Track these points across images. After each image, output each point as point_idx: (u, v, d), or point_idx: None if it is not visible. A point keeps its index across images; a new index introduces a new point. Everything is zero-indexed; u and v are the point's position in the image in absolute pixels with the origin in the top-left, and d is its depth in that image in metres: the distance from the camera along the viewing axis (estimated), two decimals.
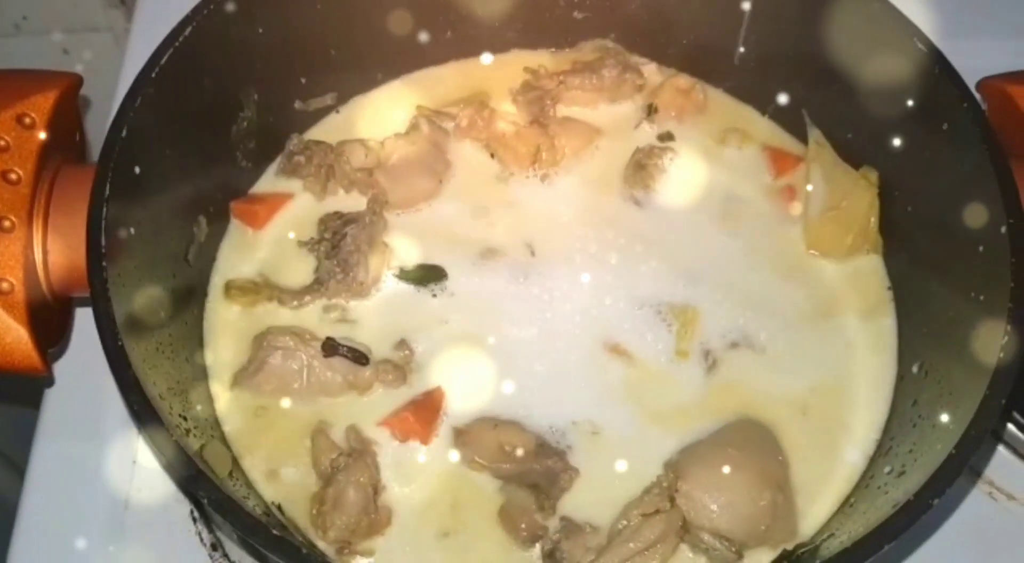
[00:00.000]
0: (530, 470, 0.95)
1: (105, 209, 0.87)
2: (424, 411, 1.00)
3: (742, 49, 1.19)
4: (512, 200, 1.14)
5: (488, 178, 1.16)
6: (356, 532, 0.93)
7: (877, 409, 1.02)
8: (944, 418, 0.88)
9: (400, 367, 1.02)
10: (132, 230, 0.92)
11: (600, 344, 1.05)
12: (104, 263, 0.84)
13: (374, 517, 0.93)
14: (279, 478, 0.98)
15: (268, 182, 1.15)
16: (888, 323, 1.08)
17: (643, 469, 0.97)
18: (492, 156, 1.16)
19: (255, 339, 1.02)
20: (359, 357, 1.00)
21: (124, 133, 0.91)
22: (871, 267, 1.12)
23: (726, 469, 0.93)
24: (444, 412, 1.01)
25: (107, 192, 0.88)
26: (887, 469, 0.93)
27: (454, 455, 0.98)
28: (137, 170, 0.93)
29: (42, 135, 0.92)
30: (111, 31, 1.70)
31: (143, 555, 1.01)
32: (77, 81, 0.98)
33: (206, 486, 0.76)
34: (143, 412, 0.78)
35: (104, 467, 1.03)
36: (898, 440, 0.96)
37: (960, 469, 0.79)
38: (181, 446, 0.78)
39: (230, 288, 1.07)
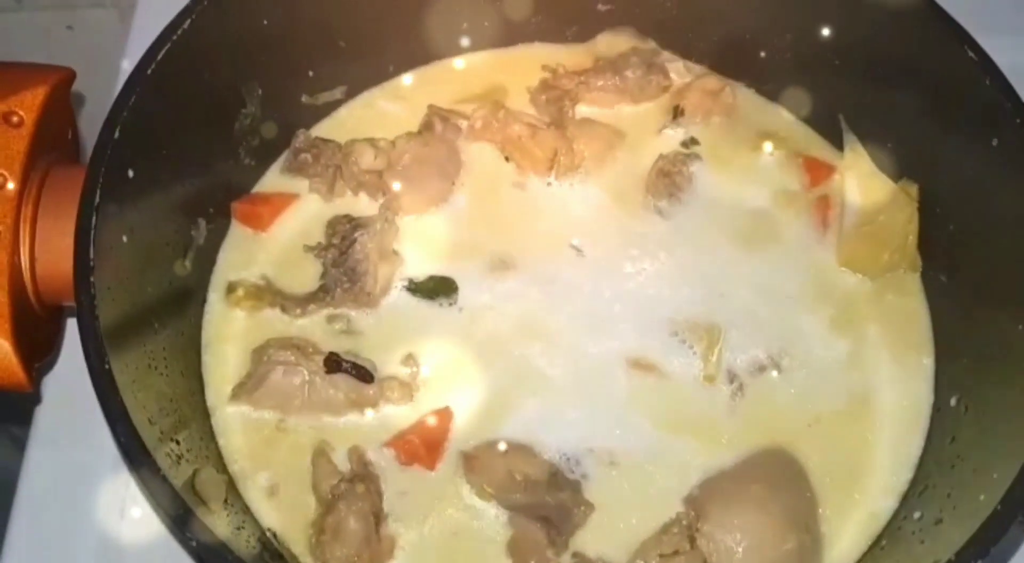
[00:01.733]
0: (542, 503, 0.90)
1: (95, 218, 0.82)
2: (430, 433, 0.95)
3: (777, 47, 1.12)
4: (528, 207, 1.08)
5: (503, 182, 1.09)
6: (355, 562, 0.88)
7: (911, 443, 0.96)
8: (987, 464, 0.82)
9: (406, 384, 0.97)
10: (125, 238, 0.87)
11: (620, 364, 1.00)
12: (92, 278, 0.79)
13: (376, 548, 0.88)
14: (277, 500, 0.93)
15: (272, 181, 1.09)
16: (925, 349, 1.02)
17: (663, 504, 0.92)
18: (507, 159, 1.10)
19: (255, 352, 0.97)
20: (363, 374, 0.95)
21: (117, 134, 0.85)
22: (908, 287, 1.05)
23: (751, 509, 0.88)
24: (451, 434, 0.95)
25: (97, 199, 0.82)
26: (918, 515, 0.88)
27: (461, 482, 0.93)
28: (131, 173, 0.87)
29: (30, 135, 0.86)
30: (116, 7, 1.64)
31: None
32: (69, 76, 0.92)
33: (194, 528, 0.71)
34: (130, 446, 0.73)
35: (98, 489, 0.98)
36: (935, 481, 0.90)
37: (1007, 527, 0.73)
38: (170, 482, 0.73)
39: (232, 290, 1.02)
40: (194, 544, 0.70)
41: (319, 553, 0.87)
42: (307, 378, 0.94)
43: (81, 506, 0.99)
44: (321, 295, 1.01)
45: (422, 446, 0.93)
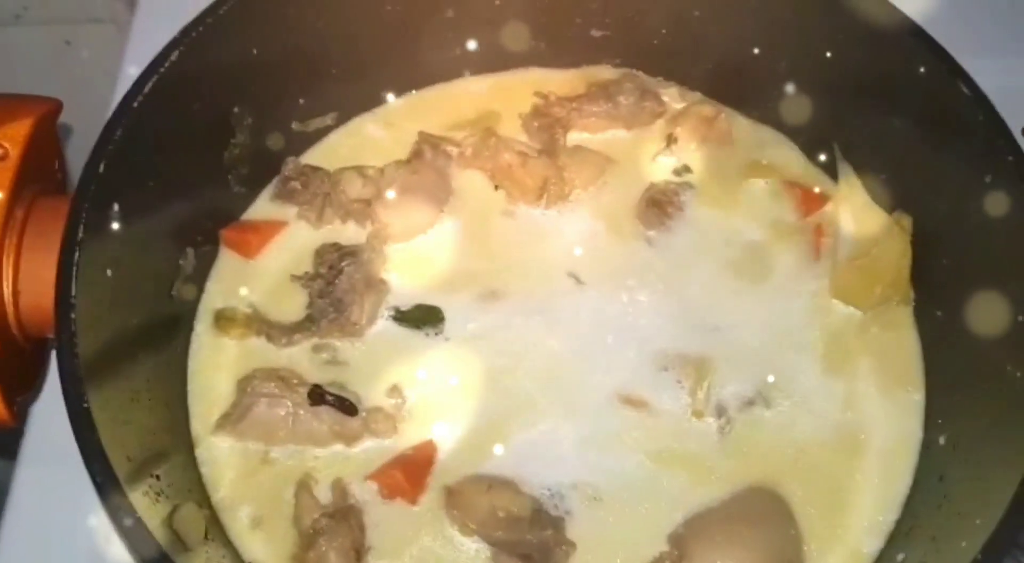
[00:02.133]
0: (524, 540, 0.89)
1: (77, 254, 0.82)
2: (413, 467, 0.94)
3: (772, 74, 1.11)
4: (517, 236, 1.08)
5: (492, 211, 1.09)
6: None
7: (899, 481, 0.95)
8: (971, 508, 0.81)
9: (391, 416, 0.96)
10: (109, 271, 0.87)
11: (609, 399, 0.99)
12: (73, 315, 0.79)
13: None
14: (261, 532, 0.92)
15: (262, 208, 1.09)
16: (915, 384, 1.01)
17: (647, 541, 0.91)
18: (497, 188, 1.09)
19: (240, 382, 0.97)
20: (347, 407, 0.95)
21: (101, 169, 0.85)
22: (900, 320, 1.04)
23: (736, 548, 0.87)
24: (435, 468, 0.95)
25: (80, 235, 0.82)
26: (901, 556, 0.88)
27: (444, 517, 0.92)
28: (116, 207, 0.87)
29: (15, 168, 0.86)
30: (114, 22, 1.64)
31: None
32: (55, 107, 0.92)
33: None
34: (105, 487, 0.73)
35: (87, 512, 0.97)
36: (921, 522, 0.90)
37: None
38: (143, 524, 0.73)
39: (220, 318, 1.02)
40: None
41: None
42: (291, 410, 0.94)
43: (70, 528, 0.99)
44: (307, 325, 1.00)
45: (405, 480, 0.93)
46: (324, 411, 0.94)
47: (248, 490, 0.94)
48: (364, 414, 0.95)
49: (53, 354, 1.00)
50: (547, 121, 1.12)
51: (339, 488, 0.93)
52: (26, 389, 0.93)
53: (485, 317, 1.03)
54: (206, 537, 0.86)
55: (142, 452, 0.83)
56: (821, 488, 0.95)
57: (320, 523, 0.88)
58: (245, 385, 0.95)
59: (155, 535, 0.73)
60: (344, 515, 0.89)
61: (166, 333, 0.98)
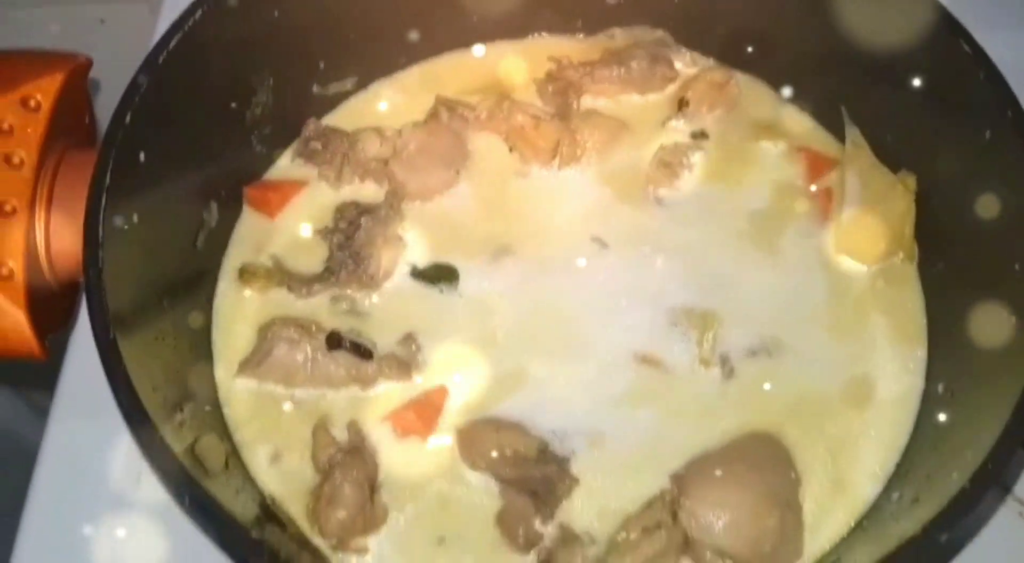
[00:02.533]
0: (529, 476, 0.92)
1: (104, 199, 0.85)
2: (426, 409, 0.98)
3: (782, 39, 1.13)
4: (530, 196, 1.11)
5: (506, 172, 1.12)
6: (351, 529, 0.91)
7: (900, 431, 0.97)
8: (963, 445, 0.83)
9: (405, 363, 1.00)
10: (135, 218, 0.91)
11: (616, 350, 1.02)
12: (100, 253, 0.83)
13: (369, 515, 0.91)
14: (279, 468, 0.96)
15: (283, 168, 1.13)
16: (918, 338, 1.03)
17: (649, 481, 0.94)
18: (511, 149, 1.12)
19: (261, 329, 1.01)
20: (363, 351, 0.98)
21: (128, 119, 0.89)
22: (904, 276, 1.06)
23: (732, 486, 0.90)
24: (446, 411, 0.98)
25: (107, 181, 0.86)
26: (897, 495, 0.89)
27: (454, 455, 0.96)
28: (142, 157, 0.91)
29: (47, 119, 0.90)
30: (147, 1, 1.68)
31: (152, 541, 1.01)
32: (86, 63, 0.96)
33: (187, 488, 0.75)
34: (130, 409, 0.77)
35: (117, 451, 1.02)
36: (917, 464, 0.92)
37: (973, 505, 0.75)
38: (167, 445, 0.77)
39: (244, 271, 1.06)
40: (186, 502, 0.74)
41: (315, 518, 0.91)
42: (309, 354, 0.98)
43: (99, 471, 1.03)
44: (326, 276, 1.04)
45: (417, 420, 0.96)
46: (341, 356, 0.98)
47: (267, 429, 0.98)
48: (379, 359, 0.99)
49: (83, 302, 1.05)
50: (561, 85, 1.15)
51: (354, 428, 0.96)
52: (58, 327, 0.97)
53: (499, 275, 1.06)
54: (226, 467, 0.90)
55: (167, 386, 0.87)
56: (823, 436, 0.97)
57: (336, 458, 0.92)
58: (266, 331, 0.99)
59: (179, 457, 0.77)
60: (359, 451, 0.93)
61: (191, 282, 1.02)
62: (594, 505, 0.94)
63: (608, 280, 1.06)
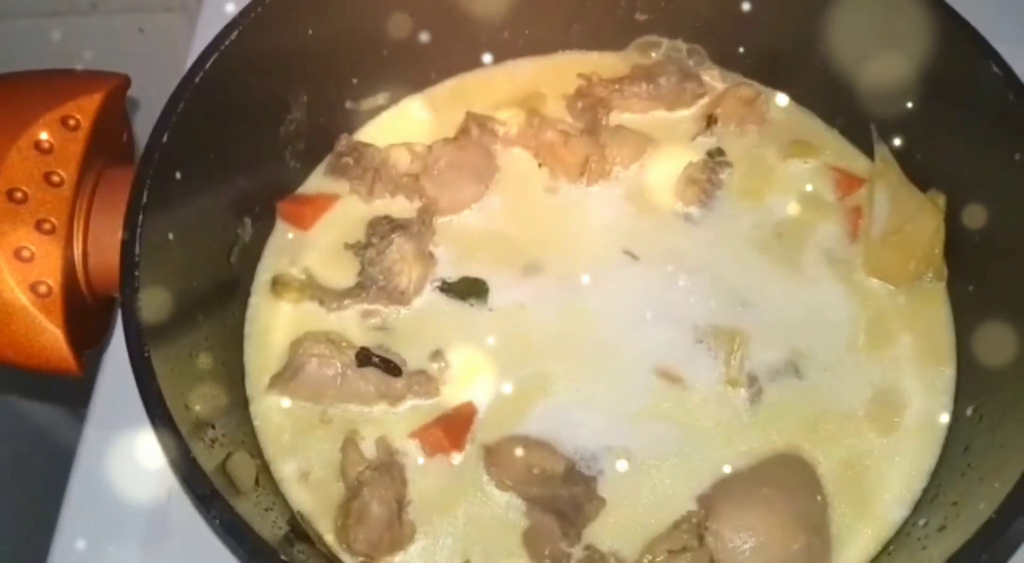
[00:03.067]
0: (556, 496, 0.93)
1: (141, 218, 0.87)
2: (454, 426, 0.99)
3: (812, 56, 1.13)
4: (559, 212, 1.11)
5: (536, 187, 1.13)
6: (378, 547, 0.92)
7: (928, 453, 0.97)
8: (992, 474, 0.83)
9: (433, 379, 1.01)
10: (171, 235, 0.93)
11: (641, 367, 1.02)
12: (136, 273, 0.85)
13: (397, 533, 0.93)
14: (308, 485, 0.98)
15: (316, 182, 1.14)
16: (947, 359, 1.02)
17: (676, 502, 0.94)
18: (540, 165, 1.13)
19: (292, 344, 1.02)
20: (392, 368, 0.99)
21: (165, 139, 0.91)
22: (934, 297, 1.06)
23: (760, 509, 0.90)
24: (474, 428, 0.99)
25: (144, 200, 0.88)
26: (923, 521, 0.89)
27: (482, 474, 0.97)
28: (178, 175, 0.93)
29: (86, 138, 0.92)
30: (185, 11, 1.71)
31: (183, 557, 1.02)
32: (124, 82, 0.98)
33: (217, 507, 0.76)
34: (163, 430, 0.78)
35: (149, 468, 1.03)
36: (944, 489, 0.92)
37: (999, 536, 0.75)
38: (199, 464, 0.78)
39: (277, 283, 1.07)
40: (218, 522, 0.75)
41: (344, 536, 0.92)
42: (340, 370, 0.99)
43: (133, 483, 1.04)
44: (357, 291, 1.06)
45: (445, 437, 0.97)
46: (370, 372, 0.99)
47: (297, 445, 0.99)
48: (408, 376, 1.00)
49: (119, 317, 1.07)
50: (590, 101, 1.16)
51: (383, 444, 0.97)
52: (93, 343, 0.99)
53: (528, 290, 1.07)
54: (256, 484, 0.91)
55: (199, 403, 0.89)
56: (850, 458, 0.97)
57: (364, 475, 0.93)
58: (297, 347, 1.01)
59: (209, 476, 0.79)
60: (387, 468, 0.94)
61: (224, 297, 1.04)
62: (620, 525, 0.94)
63: (636, 296, 1.06)
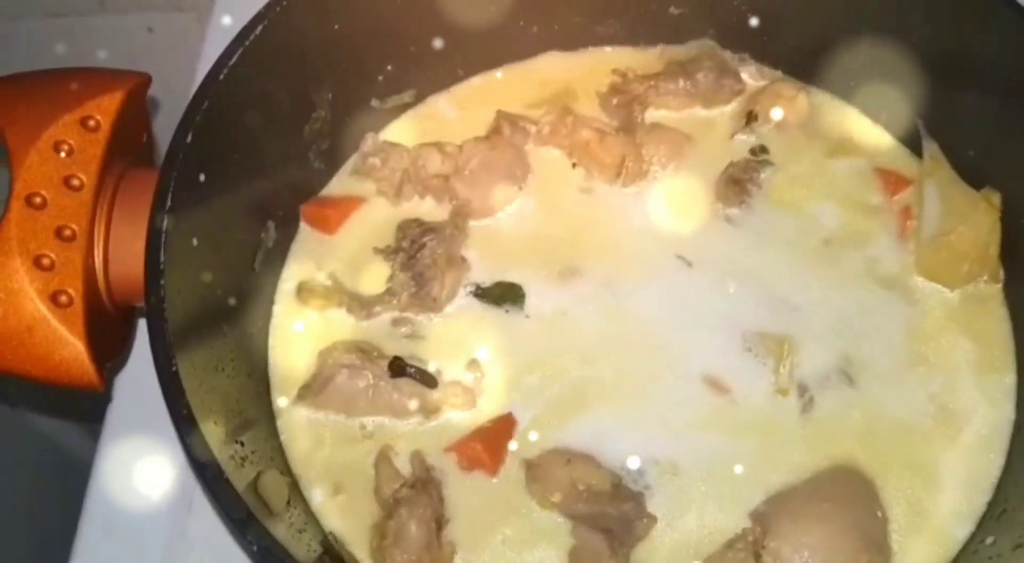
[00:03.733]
0: (604, 513, 0.89)
1: (166, 222, 0.83)
2: (492, 439, 0.94)
3: (854, 50, 1.08)
4: (596, 213, 1.07)
5: (570, 188, 1.08)
6: None
7: (990, 464, 0.93)
8: None
9: (469, 390, 0.97)
10: (195, 241, 0.88)
11: (687, 375, 0.98)
12: (162, 281, 0.80)
13: (436, 554, 0.88)
14: (340, 503, 0.93)
15: (340, 184, 1.10)
16: (1007, 364, 0.98)
17: (728, 518, 0.90)
18: (575, 165, 1.09)
19: (320, 354, 0.98)
20: (427, 379, 0.95)
21: (189, 139, 0.86)
22: (989, 299, 1.02)
23: (819, 526, 0.86)
24: (514, 441, 0.95)
25: (169, 203, 0.83)
26: (991, 539, 0.85)
27: (523, 490, 0.92)
28: (202, 177, 0.89)
29: (106, 139, 0.88)
30: (195, 9, 1.67)
31: None
32: (145, 81, 0.93)
33: (254, 532, 0.72)
34: (195, 449, 0.74)
35: (167, 484, 1.00)
36: (1013, 504, 0.87)
37: None
38: (232, 486, 0.74)
39: (302, 289, 1.03)
40: (254, 548, 0.71)
41: (380, 558, 0.88)
42: (371, 381, 0.95)
43: (151, 499, 1.01)
44: (387, 298, 1.01)
45: (484, 452, 0.93)
46: (404, 383, 0.95)
47: (327, 461, 0.95)
48: (444, 387, 0.96)
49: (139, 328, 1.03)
50: (625, 98, 1.11)
51: (419, 459, 0.93)
52: (114, 356, 0.95)
53: (565, 294, 1.03)
54: (289, 504, 0.87)
55: (227, 418, 0.85)
56: (908, 470, 0.93)
57: (401, 493, 0.89)
58: (326, 357, 0.96)
59: (241, 497, 0.74)
60: (424, 486, 0.90)
61: (249, 305, 0.99)
62: (670, 544, 0.90)
63: (683, 302, 1.02)
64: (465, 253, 1.04)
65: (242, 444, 0.85)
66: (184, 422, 0.75)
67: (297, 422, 0.97)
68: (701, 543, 0.89)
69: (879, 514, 0.89)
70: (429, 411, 0.95)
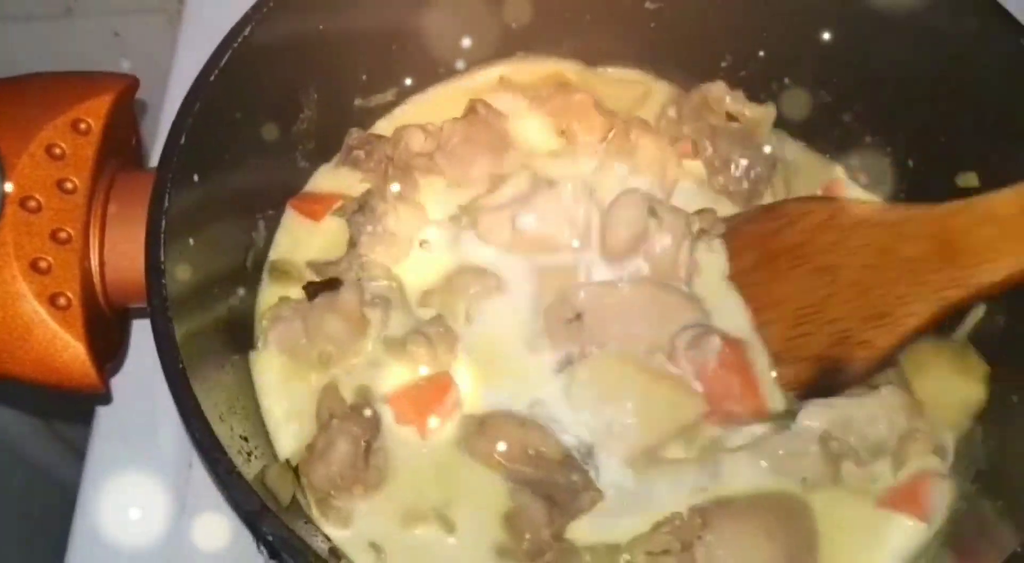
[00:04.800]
0: (551, 480, 0.88)
1: (164, 222, 0.83)
2: (429, 394, 0.93)
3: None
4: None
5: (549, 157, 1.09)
6: (339, 485, 0.87)
7: None
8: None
9: (431, 343, 0.95)
10: (191, 240, 0.89)
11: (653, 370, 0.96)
12: (164, 281, 0.81)
13: (361, 475, 0.88)
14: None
15: (325, 178, 1.10)
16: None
17: (667, 509, 0.89)
18: (562, 133, 1.09)
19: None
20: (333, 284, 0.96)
21: (183, 140, 0.87)
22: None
23: (759, 537, 0.87)
24: (458, 402, 0.94)
25: (166, 203, 0.84)
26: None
27: (463, 449, 0.92)
28: (196, 178, 0.89)
29: (98, 142, 0.88)
30: (164, 12, 1.66)
31: None
32: (133, 83, 0.94)
33: (269, 523, 0.73)
34: (205, 442, 0.75)
35: (158, 489, 1.00)
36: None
37: None
38: (244, 478, 0.75)
39: (275, 269, 1.03)
40: (270, 538, 0.72)
41: (304, 470, 0.88)
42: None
43: (143, 504, 1.01)
44: (350, 249, 1.01)
45: (425, 404, 0.93)
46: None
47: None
48: (409, 336, 0.95)
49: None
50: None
51: (363, 393, 0.93)
52: (111, 358, 0.95)
53: (539, 269, 1.02)
54: (294, 497, 0.87)
55: (230, 415, 0.85)
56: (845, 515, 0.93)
57: (337, 412, 0.89)
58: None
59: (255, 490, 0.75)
60: (360, 409, 0.90)
61: (244, 305, 1.00)
62: (604, 524, 0.89)
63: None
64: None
65: (246, 439, 0.86)
66: (194, 419, 0.76)
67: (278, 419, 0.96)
68: (635, 527, 0.89)
69: (811, 542, 0.89)
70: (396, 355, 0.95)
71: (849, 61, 1.05)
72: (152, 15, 1.65)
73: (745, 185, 1.08)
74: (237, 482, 0.74)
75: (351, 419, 0.89)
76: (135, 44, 1.69)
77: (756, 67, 1.11)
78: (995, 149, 0.96)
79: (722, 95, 1.10)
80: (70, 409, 1.22)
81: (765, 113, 1.10)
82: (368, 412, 0.90)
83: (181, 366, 0.78)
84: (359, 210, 1.02)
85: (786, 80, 1.11)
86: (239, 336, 0.98)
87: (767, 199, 1.08)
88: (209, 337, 0.91)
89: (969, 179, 0.99)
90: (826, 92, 1.09)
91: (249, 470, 0.81)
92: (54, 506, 1.17)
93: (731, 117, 1.10)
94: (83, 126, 0.89)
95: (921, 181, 1.05)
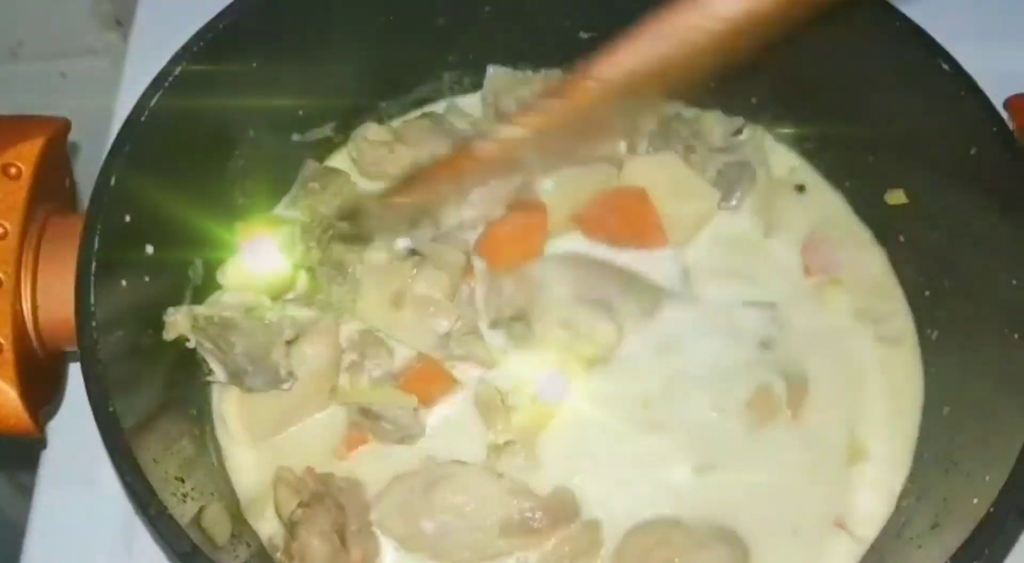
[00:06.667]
0: None
1: (94, 264, 0.83)
2: None
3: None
4: None
5: None
6: None
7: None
8: (979, 468, 0.83)
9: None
10: (124, 282, 0.89)
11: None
12: (93, 323, 0.81)
13: (356, 556, 0.89)
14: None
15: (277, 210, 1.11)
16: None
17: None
18: None
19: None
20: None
21: (113, 181, 0.87)
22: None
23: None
24: None
25: (96, 246, 0.84)
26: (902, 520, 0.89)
27: None
28: (128, 218, 0.89)
29: (29, 186, 0.88)
30: (108, 54, 1.66)
31: None
32: (64, 126, 0.94)
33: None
34: (135, 486, 0.74)
35: (105, 531, 0.99)
36: (926, 487, 0.92)
37: (1000, 528, 0.74)
38: (176, 520, 0.74)
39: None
40: None
41: None
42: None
43: (89, 547, 1.00)
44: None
45: None
46: None
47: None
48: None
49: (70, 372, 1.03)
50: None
51: (311, 473, 0.93)
52: (46, 401, 0.94)
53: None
54: (233, 536, 0.87)
55: (166, 457, 0.85)
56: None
57: (296, 514, 0.89)
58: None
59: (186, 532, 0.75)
60: (320, 499, 0.90)
61: (183, 348, 0.99)
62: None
63: None
64: None
65: (183, 481, 0.86)
66: (122, 460, 0.76)
67: (244, 461, 0.97)
68: None
69: None
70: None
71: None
72: (97, 56, 1.65)
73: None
74: (168, 524, 0.73)
75: (314, 517, 0.88)
76: (82, 86, 1.69)
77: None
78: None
79: None
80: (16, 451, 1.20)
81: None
82: (326, 503, 0.90)
83: (110, 409, 0.78)
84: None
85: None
86: (181, 376, 0.97)
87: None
88: (146, 379, 0.90)
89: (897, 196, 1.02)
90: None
91: (184, 511, 0.80)
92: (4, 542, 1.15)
93: None
94: (13, 171, 0.89)
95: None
